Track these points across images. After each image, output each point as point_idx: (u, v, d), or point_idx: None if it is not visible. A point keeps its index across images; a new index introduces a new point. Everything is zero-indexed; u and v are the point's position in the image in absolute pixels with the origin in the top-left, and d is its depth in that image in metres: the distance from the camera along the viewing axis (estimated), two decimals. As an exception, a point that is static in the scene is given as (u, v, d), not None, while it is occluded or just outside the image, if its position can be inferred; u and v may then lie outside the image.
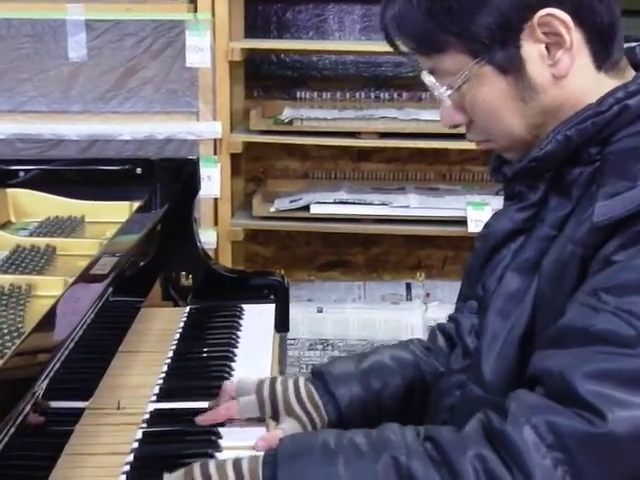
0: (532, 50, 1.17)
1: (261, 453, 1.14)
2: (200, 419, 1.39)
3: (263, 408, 1.38)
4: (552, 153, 1.19)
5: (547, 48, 1.17)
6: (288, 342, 2.15)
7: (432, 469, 1.04)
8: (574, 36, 1.16)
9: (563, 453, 1.00)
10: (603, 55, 1.19)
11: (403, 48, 1.26)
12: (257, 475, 1.10)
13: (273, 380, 1.41)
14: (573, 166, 1.19)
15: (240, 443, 1.32)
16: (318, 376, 1.41)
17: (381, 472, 1.05)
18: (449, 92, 1.23)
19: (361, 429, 1.14)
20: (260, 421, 1.40)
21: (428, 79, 1.26)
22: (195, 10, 2.73)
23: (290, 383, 1.40)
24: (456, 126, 1.28)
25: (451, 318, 1.45)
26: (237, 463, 1.13)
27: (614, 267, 1.07)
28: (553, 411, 1.02)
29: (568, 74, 1.18)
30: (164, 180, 1.99)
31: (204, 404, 1.45)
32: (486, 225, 1.33)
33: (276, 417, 1.39)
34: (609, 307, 1.05)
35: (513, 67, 1.18)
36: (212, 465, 1.14)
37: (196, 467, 1.14)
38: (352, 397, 1.38)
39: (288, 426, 1.36)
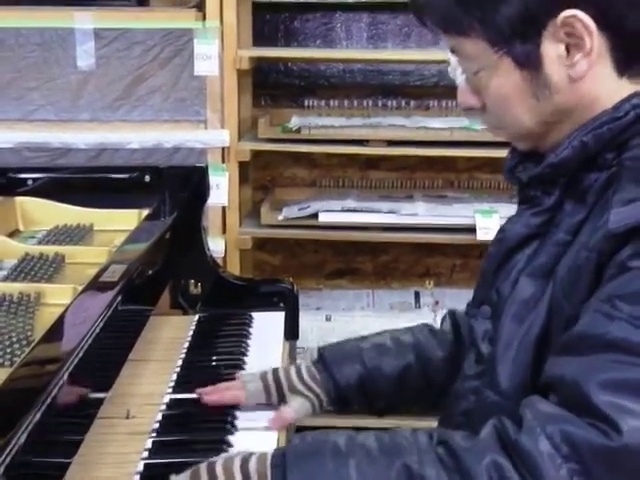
0: (551, 49, 1.16)
1: (269, 451, 1.12)
2: (207, 398, 1.45)
3: (269, 393, 1.45)
4: (568, 159, 1.19)
5: (567, 49, 1.16)
6: (297, 351, 2.14)
7: (445, 476, 1.03)
8: (596, 42, 1.15)
9: (578, 464, 1.00)
10: (626, 63, 1.18)
11: (429, 23, 1.25)
12: (265, 478, 1.09)
13: (276, 369, 1.48)
14: (589, 171, 1.19)
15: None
16: (320, 355, 1.48)
17: (393, 478, 1.05)
18: (463, 77, 1.24)
19: (372, 432, 1.13)
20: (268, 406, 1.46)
21: (452, 59, 1.27)
22: (203, 18, 2.73)
23: (292, 368, 1.48)
24: (470, 109, 1.28)
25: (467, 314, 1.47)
26: (245, 464, 1.11)
27: (629, 274, 1.06)
28: (568, 421, 1.02)
29: (584, 78, 1.17)
30: (173, 188, 1.99)
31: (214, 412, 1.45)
32: (500, 230, 1.33)
33: (283, 400, 1.45)
34: (623, 315, 1.04)
35: (530, 63, 1.17)
36: (219, 465, 1.12)
37: (203, 467, 1.12)
38: (350, 375, 1.44)
39: (296, 403, 1.43)
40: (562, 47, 1.16)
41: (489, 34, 1.18)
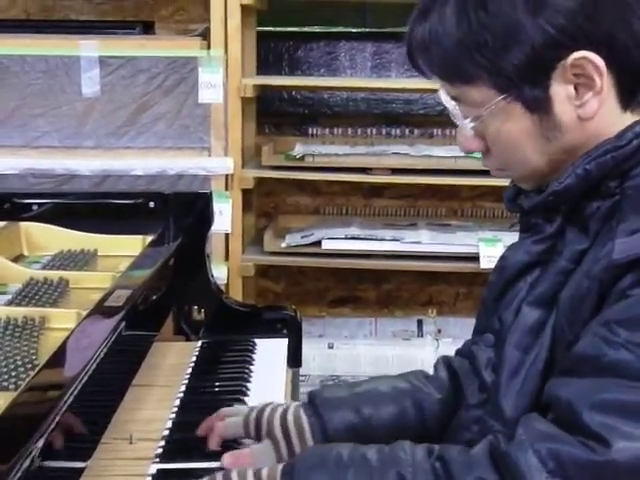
0: (561, 90, 1.15)
1: (282, 463, 1.19)
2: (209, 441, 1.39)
3: (247, 428, 1.37)
4: (571, 187, 1.18)
5: (576, 88, 1.15)
6: (299, 378, 2.13)
7: None
8: (605, 81, 1.14)
9: (564, 479, 1.03)
10: (630, 97, 1.18)
11: (426, 70, 1.23)
12: None
13: (265, 405, 1.40)
14: (591, 199, 1.18)
15: None
16: (311, 399, 1.40)
17: None
18: (471, 125, 1.20)
19: (375, 445, 1.16)
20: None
21: (450, 105, 1.24)
22: (208, 47, 2.75)
23: (280, 407, 1.38)
24: (472, 151, 1.26)
25: (458, 352, 1.45)
26: (257, 472, 1.18)
27: (628, 301, 1.07)
28: (557, 439, 1.05)
29: (594, 116, 1.16)
30: (177, 214, 1.99)
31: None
32: (501, 258, 1.32)
33: (258, 438, 1.37)
34: (620, 339, 1.05)
35: (540, 106, 1.16)
36: (234, 472, 1.19)
37: (219, 475, 1.19)
38: (342, 422, 1.35)
39: (258, 446, 1.35)
40: (571, 88, 1.15)
41: (496, 81, 1.15)
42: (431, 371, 1.47)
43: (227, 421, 1.39)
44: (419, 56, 1.21)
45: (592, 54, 1.12)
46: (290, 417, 1.36)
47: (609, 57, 1.14)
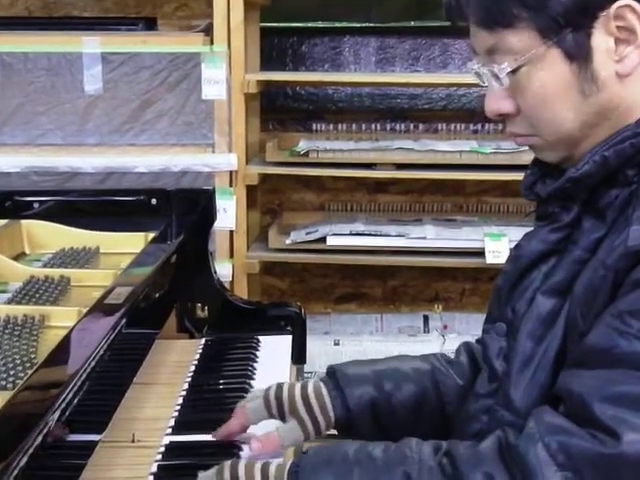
0: (602, 41, 1.13)
1: (289, 461, 1.18)
2: (216, 434, 1.39)
3: (270, 409, 1.37)
4: (589, 174, 1.17)
5: (616, 43, 1.14)
6: (305, 375, 2.12)
7: None
8: None
9: (573, 473, 1.02)
10: None
11: (464, 20, 1.20)
12: None
13: (280, 384, 1.40)
14: (609, 188, 1.17)
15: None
16: (331, 374, 1.41)
17: None
18: (508, 70, 1.17)
19: (382, 442, 1.16)
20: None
21: (478, 65, 1.21)
22: (211, 42, 2.73)
23: (298, 384, 1.39)
24: (500, 115, 1.23)
25: (479, 341, 1.44)
26: (265, 468, 1.17)
27: None
28: (567, 432, 1.04)
29: (632, 74, 1.15)
30: (179, 211, 1.98)
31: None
32: (516, 246, 1.30)
33: (282, 417, 1.37)
34: (632, 330, 1.04)
35: (580, 54, 1.14)
36: (241, 464, 1.18)
37: (226, 465, 1.18)
38: (362, 396, 1.37)
39: (286, 427, 1.36)
40: (612, 40, 1.13)
41: (540, 23, 1.13)
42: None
43: (248, 407, 1.38)
44: (467, 2, 1.19)
45: (636, 3, 1.12)
46: (311, 393, 1.37)
47: None
